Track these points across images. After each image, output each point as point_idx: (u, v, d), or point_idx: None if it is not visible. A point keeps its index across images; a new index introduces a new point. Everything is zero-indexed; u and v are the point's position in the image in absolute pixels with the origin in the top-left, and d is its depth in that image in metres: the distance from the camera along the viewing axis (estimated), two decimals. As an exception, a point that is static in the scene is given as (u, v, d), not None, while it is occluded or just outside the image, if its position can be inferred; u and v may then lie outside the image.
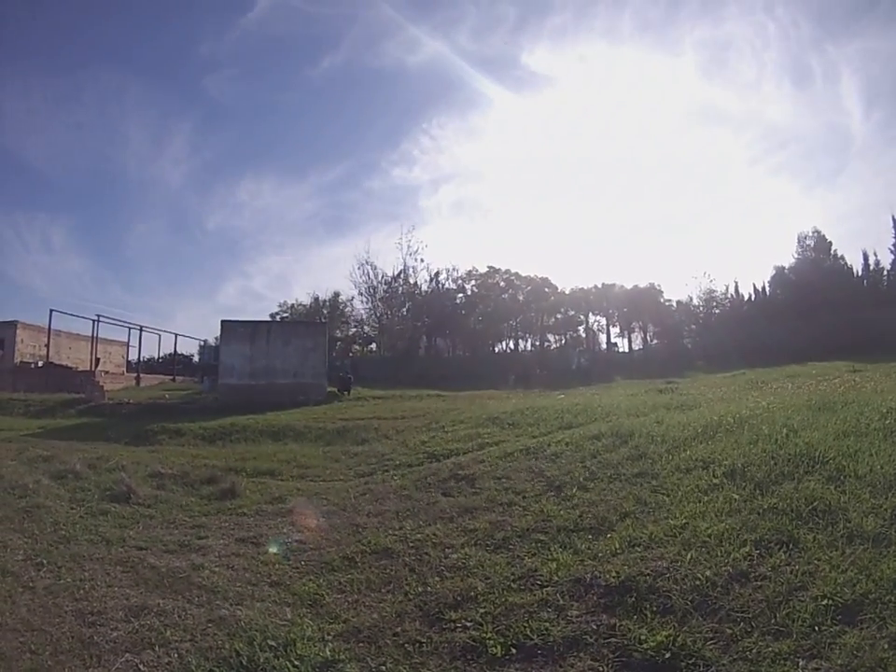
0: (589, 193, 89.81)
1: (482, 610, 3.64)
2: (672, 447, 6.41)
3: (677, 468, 5.74)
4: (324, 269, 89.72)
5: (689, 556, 3.80)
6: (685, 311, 51.56)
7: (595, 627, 3.24)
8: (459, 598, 3.86)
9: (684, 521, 4.41)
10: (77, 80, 79.95)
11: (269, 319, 23.20)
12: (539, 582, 3.92)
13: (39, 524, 6.17)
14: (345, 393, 23.23)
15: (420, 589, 4.14)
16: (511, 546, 4.70)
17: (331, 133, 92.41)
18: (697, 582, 3.49)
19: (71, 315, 32.36)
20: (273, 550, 5.45)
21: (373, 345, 50.22)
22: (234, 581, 4.68)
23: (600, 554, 4.17)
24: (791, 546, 3.69)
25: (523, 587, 3.90)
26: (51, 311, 30.42)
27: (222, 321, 22.59)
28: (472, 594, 3.89)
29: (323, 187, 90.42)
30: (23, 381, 25.23)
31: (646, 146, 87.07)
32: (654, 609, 3.32)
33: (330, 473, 9.34)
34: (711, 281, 50.54)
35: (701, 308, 51.08)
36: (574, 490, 5.77)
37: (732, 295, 50.84)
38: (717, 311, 50.32)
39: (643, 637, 3.05)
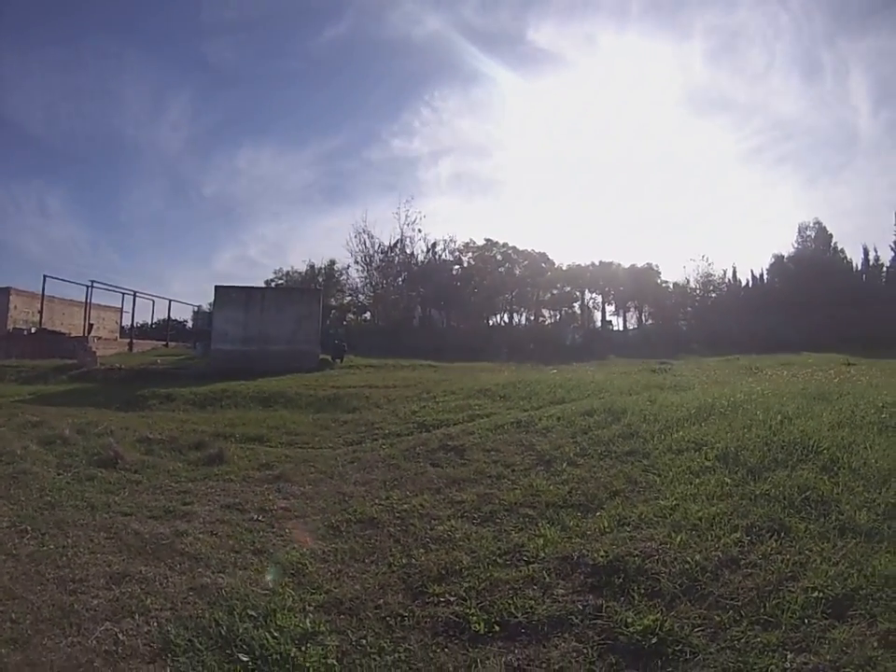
0: (591, 173, 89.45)
1: (466, 585, 3.56)
2: (665, 427, 6.36)
3: (669, 448, 5.71)
4: (320, 238, 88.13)
5: (679, 539, 3.73)
6: (682, 293, 51.04)
7: (580, 607, 3.17)
8: (443, 572, 3.78)
9: (675, 502, 4.35)
10: (77, 48, 77.14)
11: (263, 286, 22.60)
12: (525, 559, 3.85)
13: (25, 490, 6.04)
14: (338, 361, 22.86)
15: (404, 561, 4.07)
16: (498, 520, 4.63)
17: (332, 102, 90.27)
18: (686, 566, 3.42)
19: (65, 280, 31.72)
20: (258, 518, 5.37)
21: (368, 314, 49.69)
22: (217, 548, 4.59)
23: (588, 532, 4.10)
24: (782, 535, 3.63)
25: (509, 563, 3.83)
26: (45, 277, 29.82)
27: (216, 286, 22.17)
28: (457, 567, 3.81)
29: (322, 155, 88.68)
30: (16, 347, 24.83)
31: (649, 128, 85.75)
32: (642, 591, 3.26)
33: (319, 441, 9.19)
34: (709, 265, 50.07)
35: (698, 291, 50.57)
36: (564, 465, 5.72)
37: (729, 280, 50.50)
38: (713, 295, 50.01)
39: (630, 620, 2.98)
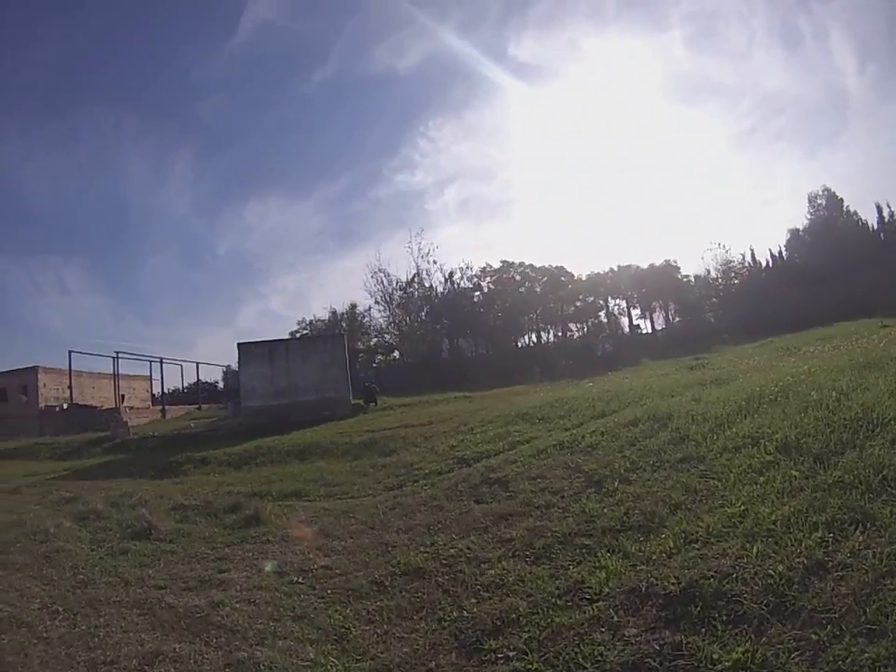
0: (594, 177, 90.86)
1: (525, 636, 3.28)
2: (715, 425, 6.12)
3: (724, 447, 5.43)
4: (339, 282, 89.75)
5: (755, 549, 3.39)
6: (704, 285, 50.37)
7: (657, 647, 2.83)
8: (499, 622, 3.50)
9: (742, 507, 4.03)
10: (73, 121, 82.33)
11: (285, 338, 22.92)
12: (587, 596, 3.54)
13: (58, 569, 6.02)
14: (372, 404, 23.07)
15: (455, 614, 3.81)
16: (552, 555, 4.34)
17: (330, 145, 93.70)
18: (770, 580, 3.08)
19: (90, 354, 33.26)
20: (297, 580, 5.18)
21: (396, 353, 50.08)
22: (255, 617, 4.41)
23: (654, 557, 3.77)
24: (867, 525, 3.27)
25: (570, 603, 3.53)
26: (70, 352, 31.10)
27: (238, 344, 22.55)
28: (513, 616, 3.53)
29: (328, 201, 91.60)
30: (49, 424, 25.67)
31: (642, 124, 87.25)
32: (724, 618, 2.92)
33: (359, 489, 9.09)
34: (727, 251, 49.52)
35: (720, 280, 49.82)
36: (616, 484, 5.45)
37: (749, 263, 49.78)
38: (736, 281, 49.24)
39: (716, 656, 2.65)
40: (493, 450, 9.12)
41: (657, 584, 3.35)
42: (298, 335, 45.17)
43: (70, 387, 30.32)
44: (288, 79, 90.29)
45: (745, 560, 3.33)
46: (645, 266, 50.75)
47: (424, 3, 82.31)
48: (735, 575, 3.20)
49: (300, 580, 5.18)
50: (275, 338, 24.51)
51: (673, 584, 3.29)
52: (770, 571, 3.13)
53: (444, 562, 4.79)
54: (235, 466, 13.33)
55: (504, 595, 3.84)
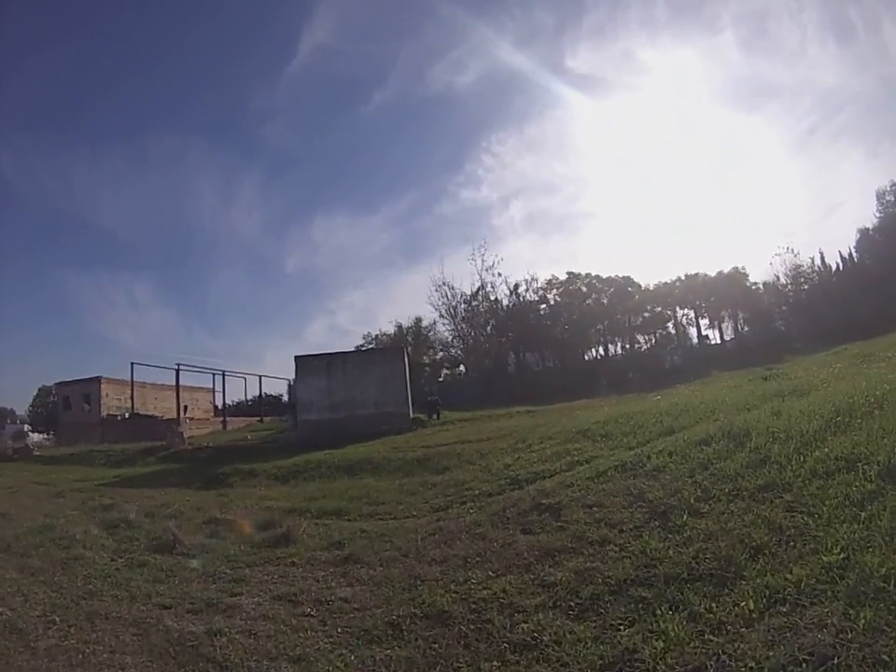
0: (657, 187, 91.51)
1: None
2: (801, 444, 5.56)
3: (813, 472, 4.84)
4: (407, 297, 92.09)
5: (863, 619, 2.60)
6: (773, 291, 49.98)
7: None
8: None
9: (842, 555, 3.26)
10: (141, 146, 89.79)
11: (344, 351, 23.10)
12: (637, 673, 2.79)
13: (71, 576, 6.06)
14: (434, 418, 23.20)
15: (472, 678, 3.16)
16: (601, 608, 3.65)
17: (394, 163, 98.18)
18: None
19: (153, 366, 35.21)
20: (310, 612, 4.73)
21: (461, 367, 50.30)
22: (251, 653, 4.02)
23: (728, 622, 3.01)
24: None
25: (613, 680, 2.80)
26: (132, 364, 33.13)
27: (296, 357, 22.97)
28: (542, 689, 2.83)
29: (395, 217, 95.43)
30: (111, 432, 27.22)
31: (703, 131, 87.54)
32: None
33: (403, 509, 8.82)
34: (796, 255, 48.93)
35: (789, 286, 49.41)
36: (684, 517, 4.76)
37: (818, 267, 48.95)
38: (805, 287, 48.71)
39: None
40: (549, 470, 8.67)
41: (730, 667, 2.57)
42: (365, 348, 45.92)
43: (132, 398, 32.11)
44: (349, 101, 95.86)
45: (850, 635, 2.55)
46: (713, 274, 50.76)
47: (479, 20, 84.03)
48: (838, 659, 2.41)
49: (312, 612, 4.77)
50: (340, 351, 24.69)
51: (754, 668, 2.50)
52: (884, 655, 2.35)
53: (473, 606, 4.18)
54: (282, 480, 13.38)
55: (533, 661, 3.18)
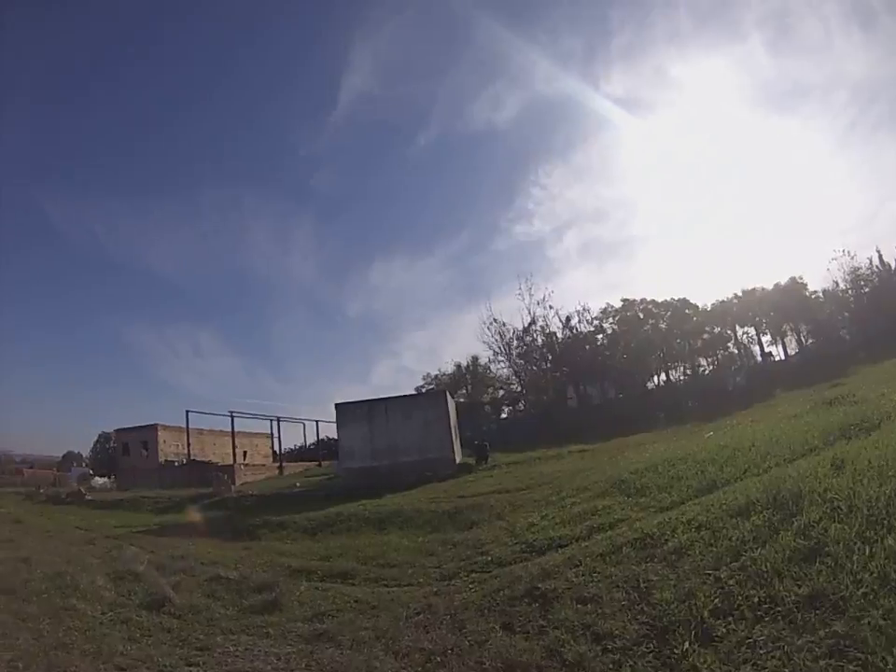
0: (704, 199, 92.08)
1: None
2: (868, 523, 4.45)
3: (882, 578, 3.67)
4: (468, 336, 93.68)
5: None
6: (834, 299, 48.43)
7: None
8: None
9: None
10: (195, 200, 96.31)
11: (385, 396, 23.08)
12: None
13: (56, 626, 6.27)
14: (483, 462, 22.84)
15: None
16: None
17: (444, 203, 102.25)
18: None
19: (208, 413, 36.83)
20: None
21: (521, 404, 49.74)
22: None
23: None
24: None
25: None
26: (187, 412, 34.69)
27: (336, 405, 23.13)
28: None
29: (451, 257, 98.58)
30: (168, 478, 28.37)
31: (744, 137, 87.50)
32: None
33: (412, 574, 8.60)
34: (852, 258, 47.07)
35: (849, 291, 47.73)
36: (686, 645, 3.93)
37: (877, 267, 46.55)
38: (866, 289, 46.54)
39: None
40: (567, 536, 8.30)
41: None
42: (423, 389, 46.52)
43: (188, 444, 33.51)
44: (393, 144, 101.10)
45: None
46: (770, 287, 49.55)
47: (509, 54, 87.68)
48: None
49: None
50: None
51: None
52: None
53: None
54: (310, 533, 13.35)
55: None
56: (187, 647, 5.88)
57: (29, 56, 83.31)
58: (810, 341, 50.12)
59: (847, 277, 47.70)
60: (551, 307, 48.00)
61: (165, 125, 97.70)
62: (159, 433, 35.33)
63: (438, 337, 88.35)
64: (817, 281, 61.79)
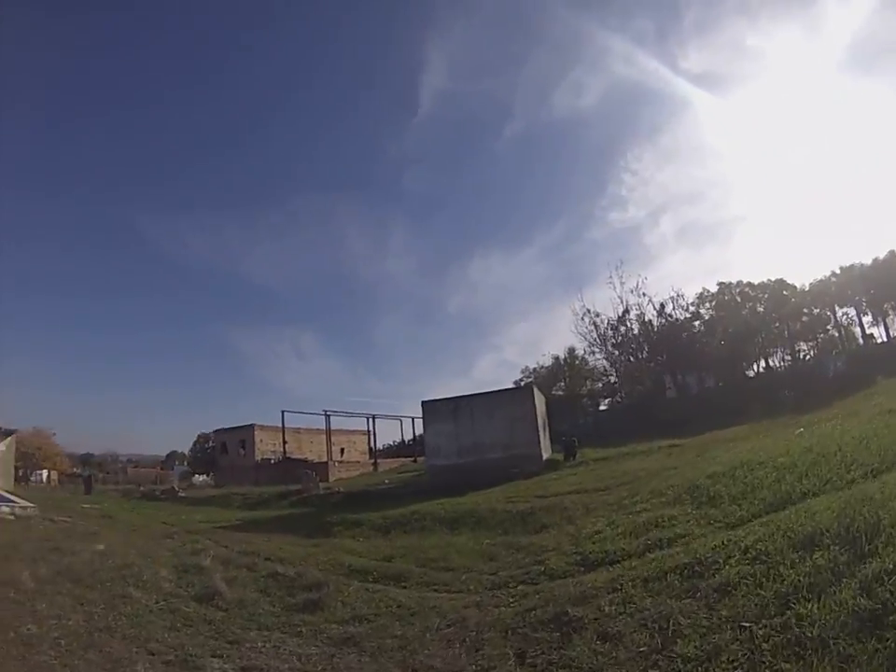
0: (798, 173, 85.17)
1: None
2: None
3: None
4: (568, 327, 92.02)
5: None
6: None
7: None
8: None
9: None
10: (291, 208, 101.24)
11: (471, 393, 22.94)
12: None
13: (109, 611, 6.77)
14: (571, 458, 22.47)
15: None
16: None
17: (537, 195, 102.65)
18: None
19: (303, 412, 39.11)
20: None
21: (619, 396, 48.62)
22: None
23: None
24: None
25: None
26: (283, 412, 36.83)
27: (422, 402, 23.35)
28: None
29: (548, 248, 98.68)
30: (264, 475, 30.07)
31: (832, 104, 79.48)
32: None
33: (465, 580, 8.47)
34: None
35: None
36: None
37: None
38: None
39: None
40: (623, 551, 7.98)
41: None
42: (522, 383, 46.43)
43: (284, 442, 35.34)
44: (480, 139, 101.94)
45: None
46: (869, 262, 46.28)
47: (584, 41, 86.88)
48: None
49: None
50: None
51: None
52: None
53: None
54: (383, 532, 13.56)
55: None
56: (220, 639, 6.15)
57: (121, 64, 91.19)
58: None
59: None
60: (644, 294, 46.33)
61: (256, 137, 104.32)
62: (256, 433, 37.70)
63: (538, 329, 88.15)
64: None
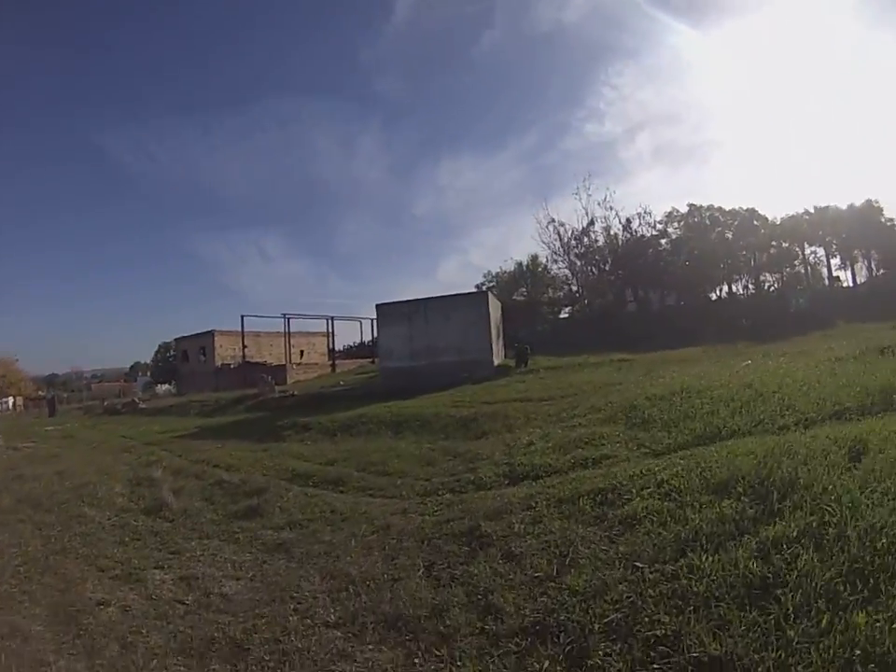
0: (786, 111, 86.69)
1: None
2: (853, 567, 3.43)
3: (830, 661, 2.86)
4: (536, 234, 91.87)
5: None
6: None
7: None
8: None
9: None
10: (254, 113, 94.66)
11: (425, 297, 23.21)
12: None
13: (65, 532, 7.39)
14: (523, 365, 23.06)
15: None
16: None
17: (513, 102, 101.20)
18: None
19: (262, 316, 39.23)
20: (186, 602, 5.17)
21: (579, 305, 49.28)
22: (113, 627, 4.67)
23: None
24: None
25: None
26: (242, 316, 37.03)
27: (377, 305, 23.49)
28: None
29: (521, 155, 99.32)
30: (224, 381, 30.61)
31: (839, 51, 77.05)
32: None
33: (400, 485, 8.81)
34: None
35: None
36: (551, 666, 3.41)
37: None
38: None
39: None
40: (549, 466, 8.04)
41: None
42: (484, 287, 46.91)
43: (243, 347, 35.62)
44: (457, 46, 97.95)
45: None
46: (844, 207, 47.42)
47: None
48: None
49: (189, 602, 5.16)
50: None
51: None
52: None
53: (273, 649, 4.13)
54: (331, 435, 14.07)
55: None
56: (164, 550, 6.62)
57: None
58: (881, 271, 47.65)
59: None
60: (612, 208, 46.66)
61: (221, 40, 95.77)
62: (216, 338, 37.89)
63: (506, 234, 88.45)
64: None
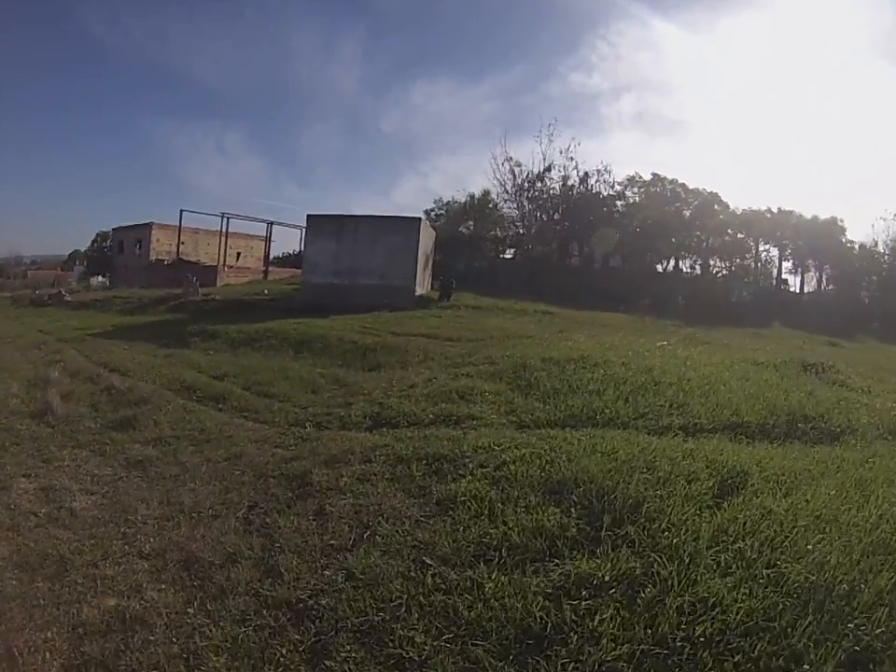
0: (773, 107, 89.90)
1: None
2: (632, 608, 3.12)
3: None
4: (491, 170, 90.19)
5: None
6: (868, 257, 48.18)
7: None
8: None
9: None
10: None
11: (358, 214, 23.13)
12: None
13: None
14: (445, 299, 23.29)
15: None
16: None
17: (505, 37, 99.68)
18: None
19: (201, 213, 37.52)
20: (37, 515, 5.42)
21: (523, 248, 49.57)
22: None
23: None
24: None
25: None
26: (181, 211, 35.85)
27: (308, 215, 23.20)
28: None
29: (500, 90, 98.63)
30: (156, 277, 30.12)
31: (839, 70, 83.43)
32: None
33: (276, 410, 8.72)
34: None
35: (886, 257, 47.64)
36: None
37: None
38: None
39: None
40: (414, 416, 7.56)
41: None
42: (433, 214, 47.15)
43: (179, 243, 34.78)
44: None
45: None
46: (808, 217, 48.41)
47: None
48: None
49: (38, 514, 5.37)
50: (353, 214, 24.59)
51: None
52: None
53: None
54: (233, 347, 14.35)
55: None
56: (38, 458, 6.73)
57: None
58: (830, 287, 49.41)
59: (889, 242, 47.38)
60: (572, 159, 46.11)
61: None
62: (153, 231, 36.71)
63: (468, 166, 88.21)
64: (858, 233, 60.39)
